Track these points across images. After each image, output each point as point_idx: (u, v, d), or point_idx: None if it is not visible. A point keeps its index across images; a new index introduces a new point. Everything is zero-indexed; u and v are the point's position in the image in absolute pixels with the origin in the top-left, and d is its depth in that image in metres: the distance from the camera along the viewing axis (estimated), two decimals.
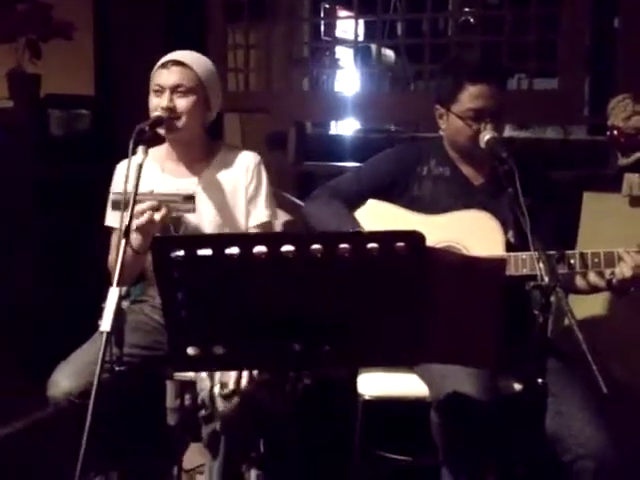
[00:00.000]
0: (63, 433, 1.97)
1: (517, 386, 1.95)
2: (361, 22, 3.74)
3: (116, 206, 1.84)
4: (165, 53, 2.12)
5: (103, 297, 1.71)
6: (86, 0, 3.50)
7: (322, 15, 4.00)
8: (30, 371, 2.82)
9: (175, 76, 1.99)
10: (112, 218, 2.07)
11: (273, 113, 3.31)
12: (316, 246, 1.40)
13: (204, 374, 1.85)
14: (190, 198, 1.90)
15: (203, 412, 1.88)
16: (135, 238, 1.83)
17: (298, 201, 2.51)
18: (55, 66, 3.22)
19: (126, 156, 1.83)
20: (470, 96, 1.96)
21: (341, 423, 2.11)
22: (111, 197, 1.94)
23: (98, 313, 2.13)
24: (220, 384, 1.82)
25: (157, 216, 1.83)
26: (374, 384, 2.01)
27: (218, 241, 1.43)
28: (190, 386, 2.35)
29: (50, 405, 1.85)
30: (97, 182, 2.99)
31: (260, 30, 3.43)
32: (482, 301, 1.50)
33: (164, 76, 2.00)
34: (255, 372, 1.83)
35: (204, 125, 2.11)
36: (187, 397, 2.45)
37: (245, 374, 1.81)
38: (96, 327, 1.98)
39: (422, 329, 1.47)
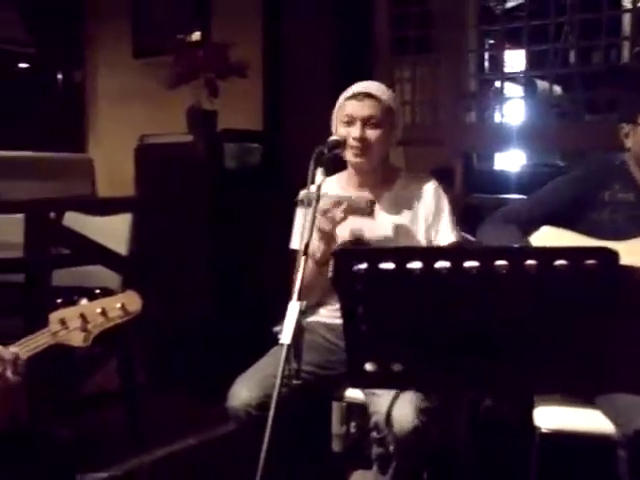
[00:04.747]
0: (236, 448, 2.03)
1: None
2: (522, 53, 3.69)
3: (301, 204, 1.93)
4: (333, 89, 2.21)
5: (270, 318, 1.76)
6: (256, 39, 3.69)
7: (485, 51, 3.95)
8: (202, 388, 2.95)
9: (367, 109, 2.04)
10: (297, 241, 2.14)
11: (440, 145, 3.31)
12: (501, 262, 1.36)
13: (379, 396, 1.83)
14: (371, 203, 1.96)
15: (375, 434, 1.85)
16: (317, 245, 1.90)
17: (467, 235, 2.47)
18: (227, 102, 3.41)
19: (293, 189, 1.96)
20: None
21: (515, 458, 2.02)
22: (299, 196, 2.00)
23: (267, 333, 2.19)
24: None
25: (338, 212, 1.89)
26: (552, 417, 1.91)
27: (401, 254, 1.42)
28: (357, 412, 2.34)
29: (230, 416, 1.90)
30: (267, 213, 3.13)
31: (426, 64, 3.47)
32: None
33: (355, 107, 2.05)
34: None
35: (388, 152, 2.16)
36: (353, 424, 2.44)
37: None
38: (266, 345, 2.05)
39: (609, 354, 1.38)
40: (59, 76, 4.62)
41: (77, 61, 4.54)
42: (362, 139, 2.03)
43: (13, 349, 1.56)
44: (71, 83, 4.59)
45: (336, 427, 2.46)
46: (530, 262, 1.35)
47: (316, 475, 2.38)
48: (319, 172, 1.85)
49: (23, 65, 4.53)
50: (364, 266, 1.41)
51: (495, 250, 1.52)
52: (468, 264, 1.37)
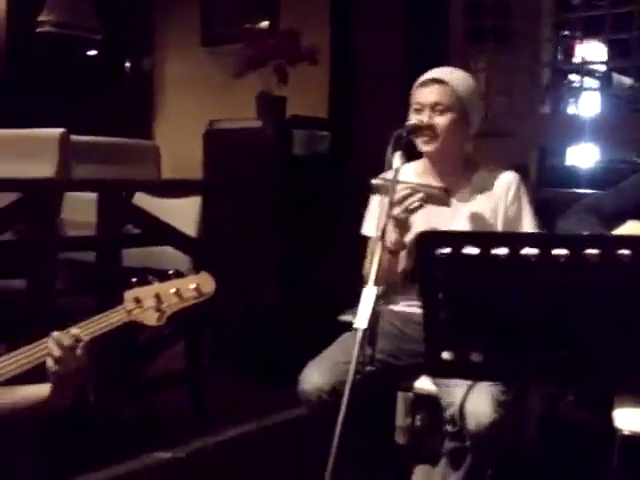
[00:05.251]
0: (300, 434, 2.00)
1: None
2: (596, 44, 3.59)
3: (375, 190, 1.89)
4: (403, 76, 2.16)
5: (336, 305, 1.71)
6: (324, 26, 3.65)
7: (560, 42, 3.85)
8: (266, 374, 2.95)
9: (434, 95, 2.00)
10: (368, 227, 2.10)
11: (515, 137, 3.24)
12: (590, 251, 1.30)
13: (453, 387, 1.78)
14: (446, 191, 1.91)
15: (450, 428, 1.80)
16: (391, 233, 1.83)
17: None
18: (294, 89, 3.39)
19: (361, 177, 1.91)
20: None
21: (592, 460, 1.94)
22: (372, 182, 1.95)
23: (334, 320, 2.15)
24: None
25: (414, 200, 1.83)
26: (635, 419, 1.82)
27: (486, 239, 1.37)
28: (424, 404, 2.29)
29: (301, 400, 1.87)
30: (334, 200, 3.11)
31: (501, 54, 3.39)
32: None
33: (424, 94, 2.02)
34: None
35: (464, 141, 2.10)
36: (418, 417, 2.38)
37: None
38: (332, 333, 2.01)
39: None
40: (128, 64, 4.67)
41: (146, 49, 4.59)
42: (429, 126, 1.98)
43: (74, 331, 1.51)
44: (140, 70, 4.64)
45: (400, 419, 2.41)
46: (622, 251, 1.29)
47: (379, 467, 2.34)
48: (397, 156, 1.80)
49: (92, 52, 4.59)
50: (447, 250, 1.36)
51: (586, 238, 1.45)
52: (556, 252, 1.31)
